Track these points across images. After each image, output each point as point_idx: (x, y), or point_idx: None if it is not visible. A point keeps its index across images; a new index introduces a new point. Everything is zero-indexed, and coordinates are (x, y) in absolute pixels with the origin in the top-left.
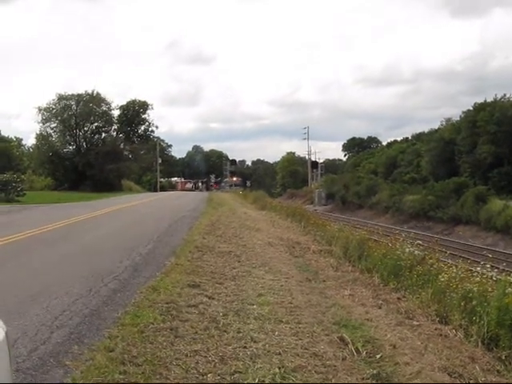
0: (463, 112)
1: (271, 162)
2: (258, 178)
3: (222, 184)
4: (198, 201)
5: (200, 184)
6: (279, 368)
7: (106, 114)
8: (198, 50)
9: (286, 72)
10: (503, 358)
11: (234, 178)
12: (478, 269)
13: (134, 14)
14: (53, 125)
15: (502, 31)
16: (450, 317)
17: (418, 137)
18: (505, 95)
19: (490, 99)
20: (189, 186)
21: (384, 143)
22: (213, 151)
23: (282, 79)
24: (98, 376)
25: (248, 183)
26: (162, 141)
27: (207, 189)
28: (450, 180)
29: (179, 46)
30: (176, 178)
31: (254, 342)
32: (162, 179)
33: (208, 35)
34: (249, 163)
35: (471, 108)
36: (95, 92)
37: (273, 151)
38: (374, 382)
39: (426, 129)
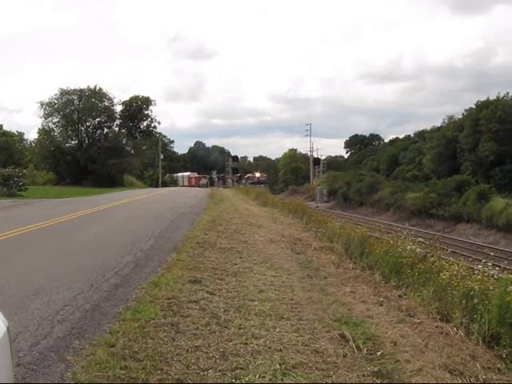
0: (466, 110)
1: (273, 158)
2: None
3: (243, 181)
4: (199, 197)
5: (216, 180)
6: (280, 364)
7: (108, 109)
8: (200, 45)
9: (287, 68)
10: (504, 356)
11: (258, 174)
12: (480, 267)
13: (136, 9)
14: (55, 119)
15: (505, 28)
16: (451, 315)
17: (420, 134)
18: (508, 93)
19: (492, 97)
20: (203, 181)
21: (386, 140)
22: (215, 147)
23: (284, 75)
24: (98, 371)
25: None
26: (164, 136)
27: (224, 184)
28: (451, 178)
29: (181, 40)
30: (189, 173)
31: (255, 338)
32: (166, 174)
33: (210, 30)
34: (251, 159)
35: (473, 106)
36: (97, 87)
37: (275, 147)
38: (374, 379)
39: (427, 126)
